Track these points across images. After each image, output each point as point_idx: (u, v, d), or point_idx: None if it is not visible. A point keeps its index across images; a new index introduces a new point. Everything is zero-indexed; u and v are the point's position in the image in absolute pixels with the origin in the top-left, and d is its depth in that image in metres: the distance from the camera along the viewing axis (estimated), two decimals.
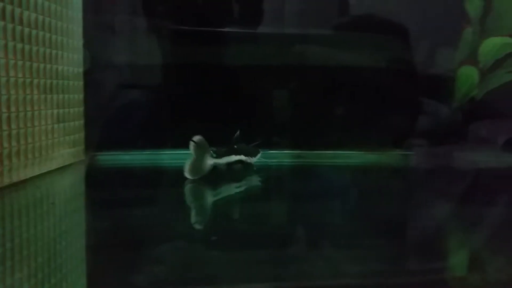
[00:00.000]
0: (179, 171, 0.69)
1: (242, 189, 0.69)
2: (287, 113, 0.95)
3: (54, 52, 0.71)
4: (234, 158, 0.72)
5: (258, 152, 0.77)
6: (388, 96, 0.94)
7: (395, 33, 0.94)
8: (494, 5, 0.76)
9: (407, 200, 0.70)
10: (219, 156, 0.70)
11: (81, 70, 0.80)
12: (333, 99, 0.95)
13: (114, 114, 0.89)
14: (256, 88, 0.93)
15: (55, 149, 0.71)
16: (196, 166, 0.66)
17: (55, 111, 0.71)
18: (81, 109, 0.80)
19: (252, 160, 0.75)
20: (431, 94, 0.89)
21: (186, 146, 0.78)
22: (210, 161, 0.68)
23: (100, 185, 0.71)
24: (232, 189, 0.68)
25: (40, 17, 0.67)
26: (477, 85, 0.80)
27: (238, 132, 0.73)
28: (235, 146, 0.73)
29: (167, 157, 0.86)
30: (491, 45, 0.74)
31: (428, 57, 0.93)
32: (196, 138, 0.65)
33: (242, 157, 0.73)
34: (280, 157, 0.92)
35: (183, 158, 0.86)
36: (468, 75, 0.79)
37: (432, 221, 0.56)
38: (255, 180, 0.74)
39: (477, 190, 0.79)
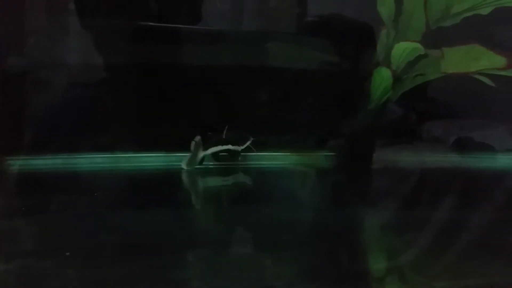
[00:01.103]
0: (94, 176, 0.67)
1: None
2: (210, 114, 0.94)
3: None
4: (219, 148, 0.81)
5: (247, 139, 0.83)
6: (313, 97, 0.94)
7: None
8: (405, 7, 0.76)
9: (318, 202, 0.70)
10: (205, 147, 0.81)
11: None
12: (257, 99, 0.94)
13: (28, 117, 0.87)
14: (177, 89, 0.91)
15: None
16: (191, 160, 0.80)
17: None
18: None
19: (239, 148, 0.82)
20: (351, 95, 0.89)
21: (104, 150, 0.76)
22: (201, 155, 0.81)
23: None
24: None
25: None
26: (391, 86, 0.80)
27: (226, 128, 0.82)
28: (224, 136, 0.81)
29: (84, 161, 0.84)
30: (402, 49, 0.75)
31: (353, 58, 0.94)
32: (197, 138, 0.79)
33: (230, 147, 0.82)
34: (205, 159, 0.91)
35: (100, 162, 0.85)
36: (382, 77, 0.79)
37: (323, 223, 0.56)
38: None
39: (396, 190, 0.80)
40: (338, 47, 0.96)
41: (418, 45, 0.73)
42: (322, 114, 0.94)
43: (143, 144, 0.86)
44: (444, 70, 0.73)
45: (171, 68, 0.92)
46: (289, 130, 0.94)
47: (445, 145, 1.06)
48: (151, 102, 0.91)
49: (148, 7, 0.92)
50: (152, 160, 0.86)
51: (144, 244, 0.47)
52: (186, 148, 0.89)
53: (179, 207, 0.63)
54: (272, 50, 0.96)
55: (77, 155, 0.84)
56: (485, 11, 0.75)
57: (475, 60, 0.72)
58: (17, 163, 0.82)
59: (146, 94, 0.91)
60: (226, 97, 0.93)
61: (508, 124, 1.05)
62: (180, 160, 0.89)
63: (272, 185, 0.79)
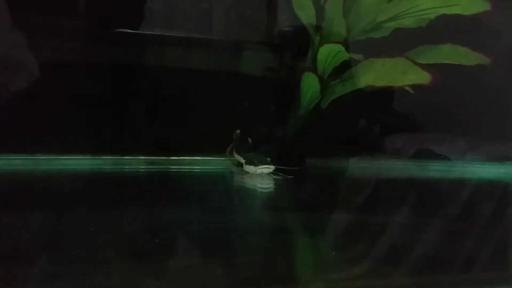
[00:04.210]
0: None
1: None
2: (142, 117, 0.91)
3: None
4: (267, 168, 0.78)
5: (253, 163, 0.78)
6: (247, 103, 0.93)
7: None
8: (326, 12, 0.75)
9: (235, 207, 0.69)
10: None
11: None
12: (191, 103, 0.92)
13: None
14: (108, 91, 0.89)
15: None
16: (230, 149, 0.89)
17: None
18: None
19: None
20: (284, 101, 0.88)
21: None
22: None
23: None
24: None
25: None
26: (319, 92, 0.78)
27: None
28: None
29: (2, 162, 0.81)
30: (327, 53, 0.73)
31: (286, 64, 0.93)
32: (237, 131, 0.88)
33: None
34: (133, 163, 0.89)
35: (18, 164, 0.82)
36: (309, 82, 0.77)
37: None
38: None
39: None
40: (279, 53, 0.95)
41: (341, 47, 0.71)
42: (256, 118, 0.93)
43: (67, 146, 0.84)
44: (373, 83, 0.72)
45: (107, 70, 0.90)
46: (221, 134, 0.92)
47: (405, 157, 1.06)
48: (82, 103, 0.88)
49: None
50: (75, 163, 0.84)
51: None
52: (113, 151, 0.88)
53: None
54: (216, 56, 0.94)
55: None
56: (408, 21, 0.73)
57: (402, 74, 0.71)
58: None
59: (79, 95, 0.89)
60: (154, 101, 0.91)
61: (467, 137, 1.06)
62: (105, 163, 0.87)
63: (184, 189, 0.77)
